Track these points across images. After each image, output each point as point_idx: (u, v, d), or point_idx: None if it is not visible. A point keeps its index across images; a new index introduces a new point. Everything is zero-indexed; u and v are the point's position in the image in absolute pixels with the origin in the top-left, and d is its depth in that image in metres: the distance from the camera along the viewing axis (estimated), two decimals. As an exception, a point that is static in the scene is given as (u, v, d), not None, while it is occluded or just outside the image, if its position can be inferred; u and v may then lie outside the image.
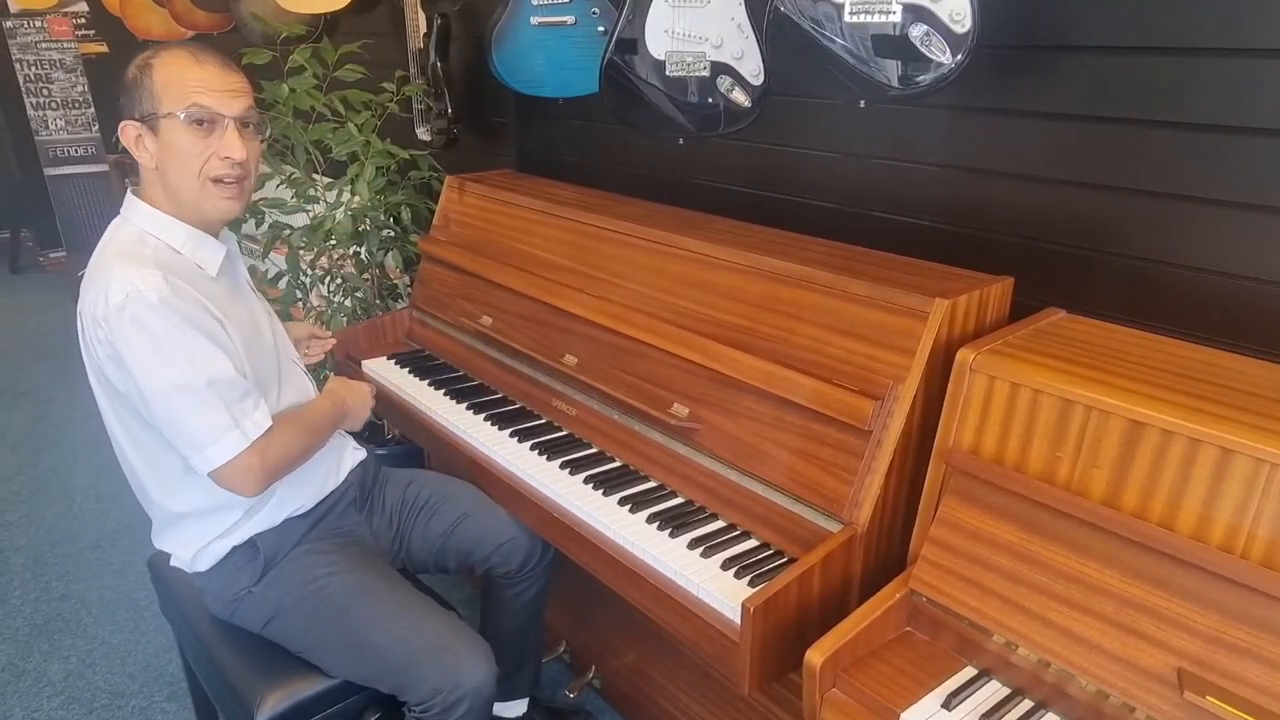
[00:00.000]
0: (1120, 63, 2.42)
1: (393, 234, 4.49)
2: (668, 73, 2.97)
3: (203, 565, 2.64)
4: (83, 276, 2.44)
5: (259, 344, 2.59)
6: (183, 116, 2.37)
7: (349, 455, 2.91)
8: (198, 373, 2.29)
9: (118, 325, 2.27)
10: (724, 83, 2.89)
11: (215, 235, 2.58)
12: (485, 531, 2.97)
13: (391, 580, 2.68)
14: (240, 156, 2.46)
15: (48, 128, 8.56)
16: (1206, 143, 2.31)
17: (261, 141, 2.64)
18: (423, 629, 2.51)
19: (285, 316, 4.32)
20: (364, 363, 3.70)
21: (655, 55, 2.97)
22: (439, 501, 3.00)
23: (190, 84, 2.39)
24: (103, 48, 9.10)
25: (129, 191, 2.52)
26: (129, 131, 2.41)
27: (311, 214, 4.33)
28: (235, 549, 2.62)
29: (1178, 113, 2.34)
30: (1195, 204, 2.36)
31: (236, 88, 2.47)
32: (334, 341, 3.25)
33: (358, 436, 3.01)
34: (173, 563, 2.70)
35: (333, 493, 2.79)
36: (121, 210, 2.52)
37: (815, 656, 1.98)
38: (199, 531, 2.60)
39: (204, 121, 2.40)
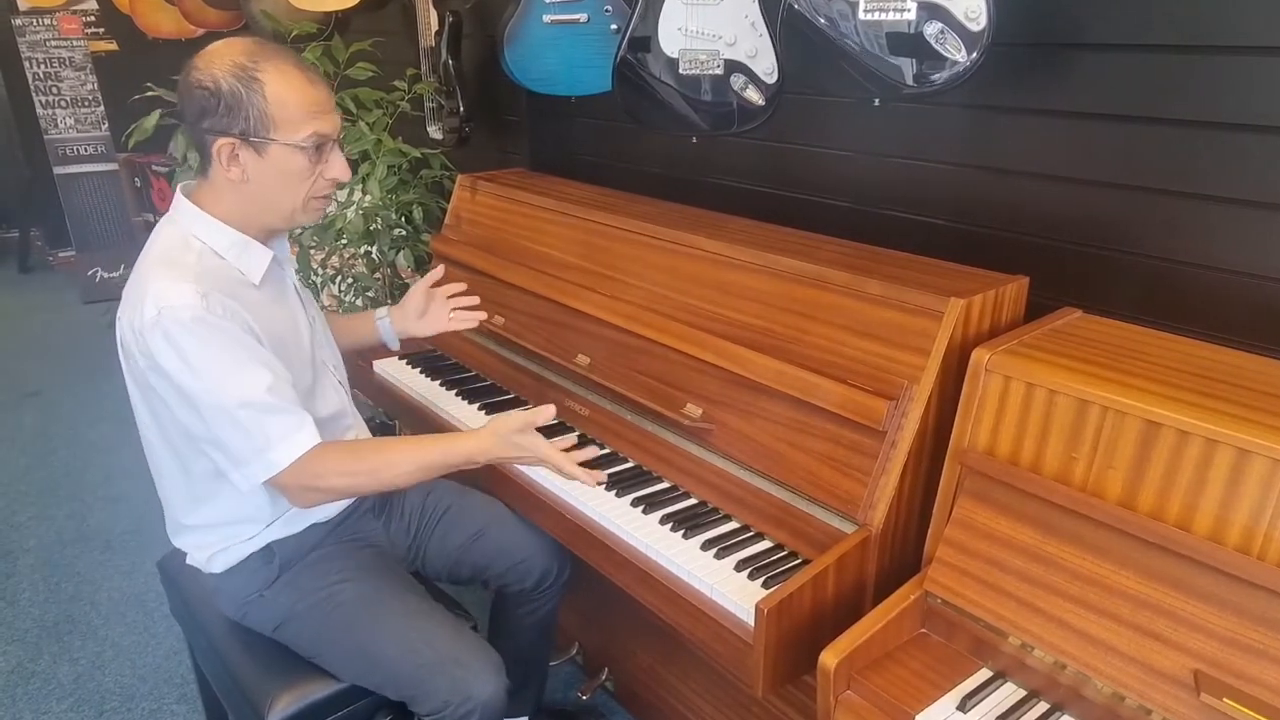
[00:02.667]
0: (1137, 60, 2.41)
1: (404, 233, 4.48)
2: (681, 71, 2.96)
3: (218, 567, 2.62)
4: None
5: (296, 354, 2.53)
6: (302, 144, 2.31)
7: None
8: (227, 395, 2.23)
9: (151, 339, 2.21)
10: (737, 81, 2.88)
11: (266, 242, 2.51)
12: (502, 547, 2.94)
13: (404, 588, 2.65)
14: (347, 178, 2.45)
15: (57, 126, 8.57)
16: (1225, 141, 2.30)
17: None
18: (434, 640, 2.49)
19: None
20: (375, 363, 3.70)
21: (668, 53, 2.96)
22: (458, 513, 2.97)
23: (309, 106, 2.32)
24: (112, 45, 9.10)
25: (178, 191, 2.45)
26: (224, 150, 2.29)
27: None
28: (252, 554, 2.60)
29: (1195, 111, 2.34)
30: (1213, 203, 2.35)
31: (333, 103, 2.42)
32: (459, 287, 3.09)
33: None
34: (188, 561, 2.68)
35: (355, 501, 2.76)
36: (169, 210, 2.45)
37: (829, 658, 1.97)
38: (218, 536, 2.57)
39: (320, 146, 2.36)
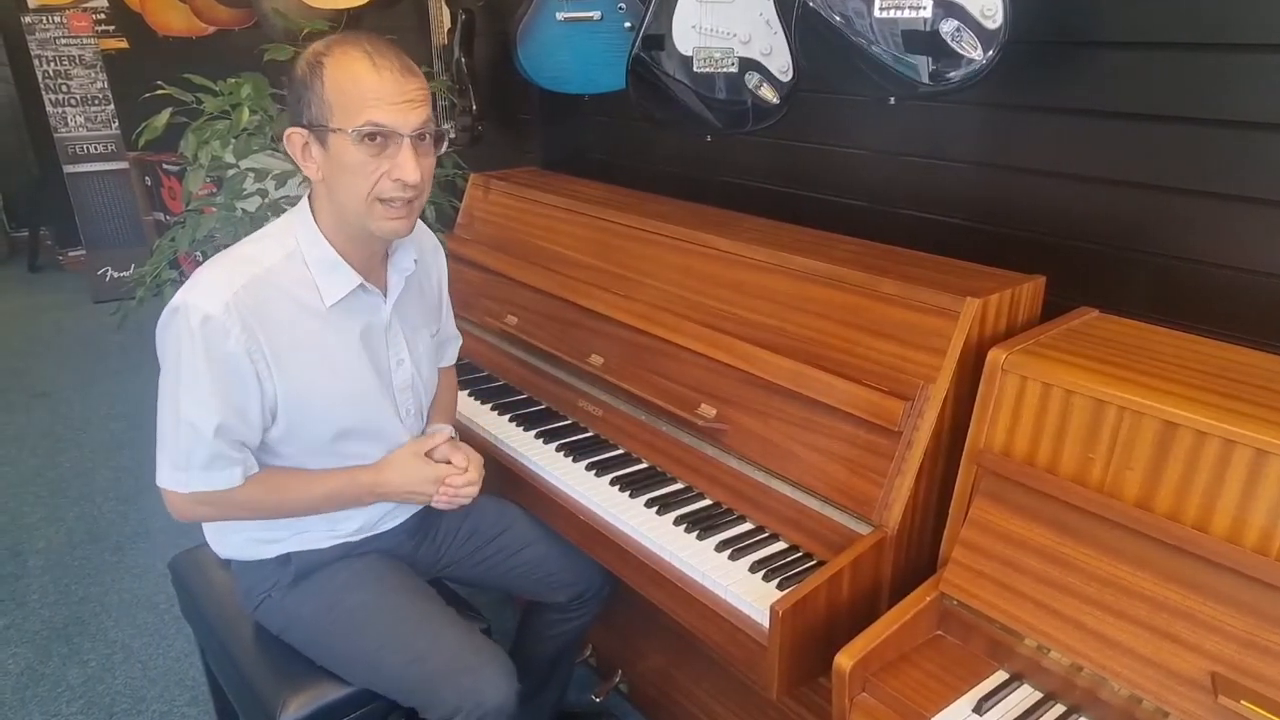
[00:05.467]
0: (1153, 58, 2.40)
1: (415, 232, 4.48)
2: (695, 69, 2.95)
3: (231, 555, 2.62)
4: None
5: (331, 392, 2.42)
6: (353, 134, 2.17)
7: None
8: (184, 407, 2.23)
9: (165, 320, 2.22)
10: (752, 79, 2.87)
11: (380, 254, 2.50)
12: (539, 564, 2.92)
13: (413, 592, 2.60)
14: (414, 179, 2.25)
15: (67, 125, 8.57)
16: (1242, 139, 2.29)
17: (440, 152, 2.40)
18: (441, 646, 2.45)
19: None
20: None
21: (682, 51, 2.96)
22: (497, 533, 2.92)
23: (366, 95, 2.16)
24: (123, 43, 9.11)
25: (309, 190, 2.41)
26: (295, 140, 2.24)
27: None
28: (267, 559, 2.57)
29: (1213, 109, 2.33)
30: (1231, 201, 2.34)
31: (414, 97, 2.23)
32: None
33: None
34: (207, 541, 2.68)
35: (386, 531, 2.71)
36: (299, 203, 2.43)
37: (845, 660, 1.97)
38: (241, 524, 2.55)
39: (377, 139, 2.19)
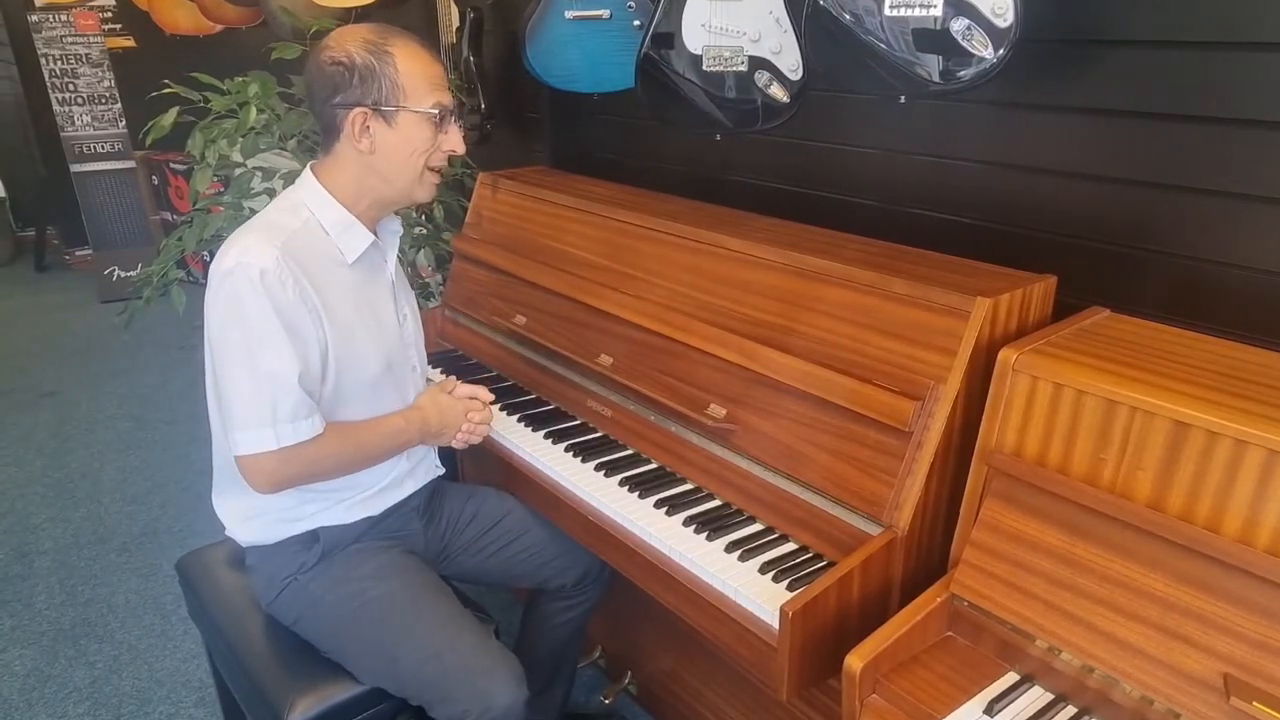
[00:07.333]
0: (1165, 57, 2.39)
1: (425, 231, 4.48)
2: (705, 68, 2.95)
3: (256, 539, 2.63)
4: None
5: (368, 339, 2.58)
6: (426, 112, 2.48)
7: (428, 469, 2.89)
8: (263, 361, 2.30)
9: (219, 286, 2.31)
10: (762, 78, 2.87)
11: (377, 221, 2.66)
12: (544, 547, 2.99)
13: (434, 591, 2.63)
14: (463, 150, 2.61)
15: (73, 124, 8.57)
16: (1256, 138, 2.28)
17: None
18: (458, 646, 2.48)
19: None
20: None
21: (692, 50, 2.95)
22: (499, 516, 3.00)
23: (433, 79, 2.50)
24: (129, 42, 9.12)
25: (308, 166, 2.59)
26: (357, 120, 2.43)
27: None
28: (295, 536, 2.61)
29: (1223, 108, 2.32)
30: (1242, 201, 2.33)
31: (447, 81, 2.58)
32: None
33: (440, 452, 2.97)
34: (227, 532, 2.70)
35: (403, 500, 2.77)
36: (298, 180, 2.59)
37: (855, 662, 1.96)
38: (265, 504, 2.57)
39: (443, 117, 2.52)
